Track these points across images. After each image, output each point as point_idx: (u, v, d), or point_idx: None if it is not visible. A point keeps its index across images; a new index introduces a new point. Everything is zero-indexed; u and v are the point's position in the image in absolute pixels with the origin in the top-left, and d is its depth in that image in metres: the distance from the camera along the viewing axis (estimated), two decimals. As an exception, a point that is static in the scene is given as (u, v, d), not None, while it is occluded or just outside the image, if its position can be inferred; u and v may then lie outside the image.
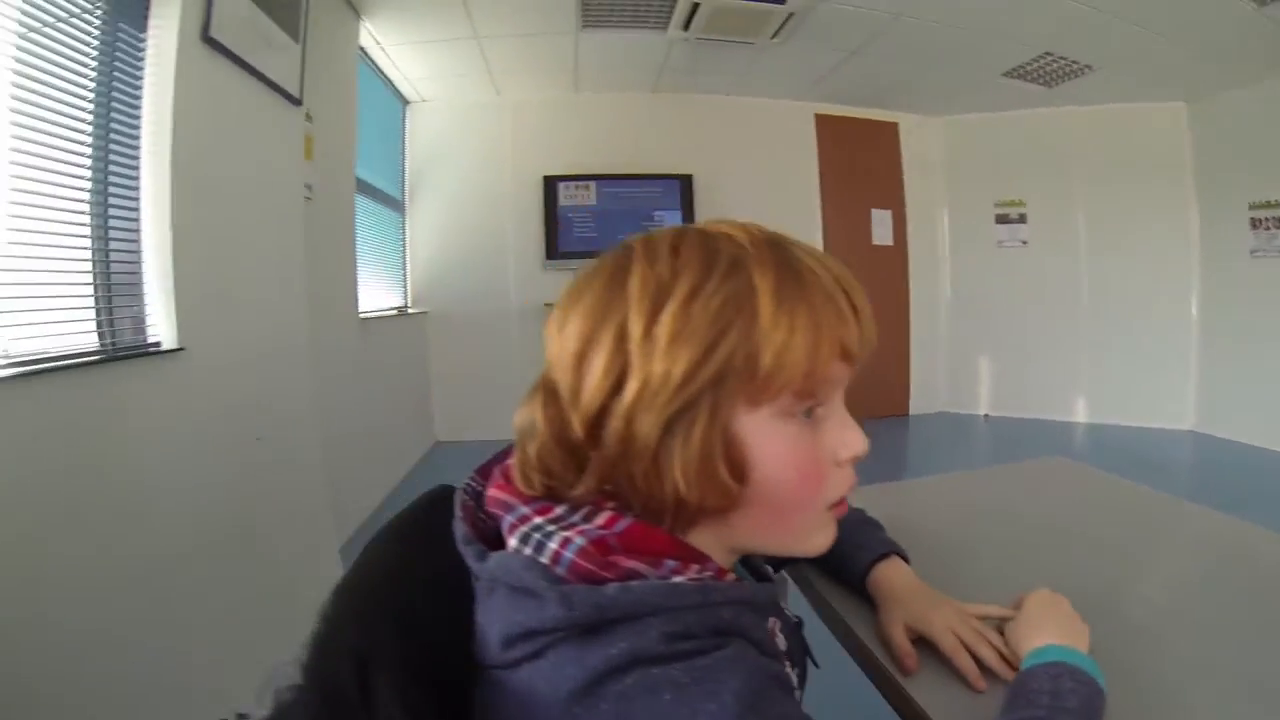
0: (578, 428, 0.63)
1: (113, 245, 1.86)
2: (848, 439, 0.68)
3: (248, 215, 2.42)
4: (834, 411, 0.68)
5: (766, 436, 0.63)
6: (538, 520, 0.64)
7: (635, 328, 0.62)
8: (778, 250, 0.66)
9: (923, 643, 0.93)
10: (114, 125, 1.86)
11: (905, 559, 1.06)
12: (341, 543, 3.18)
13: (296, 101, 2.74)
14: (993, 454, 6.19)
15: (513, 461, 0.71)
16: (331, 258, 3.95)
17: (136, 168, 1.93)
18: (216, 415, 2.15)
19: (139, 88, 1.94)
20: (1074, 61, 5.50)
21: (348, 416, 4.16)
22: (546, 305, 6.70)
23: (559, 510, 0.65)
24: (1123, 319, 6.63)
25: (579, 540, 0.61)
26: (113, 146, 1.85)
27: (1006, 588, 1.00)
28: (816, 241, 7.04)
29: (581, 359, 0.64)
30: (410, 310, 6.45)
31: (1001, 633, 0.91)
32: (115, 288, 1.86)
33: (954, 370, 7.40)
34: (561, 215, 6.65)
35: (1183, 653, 0.90)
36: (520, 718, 0.59)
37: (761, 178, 7.02)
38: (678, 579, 0.62)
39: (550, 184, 6.64)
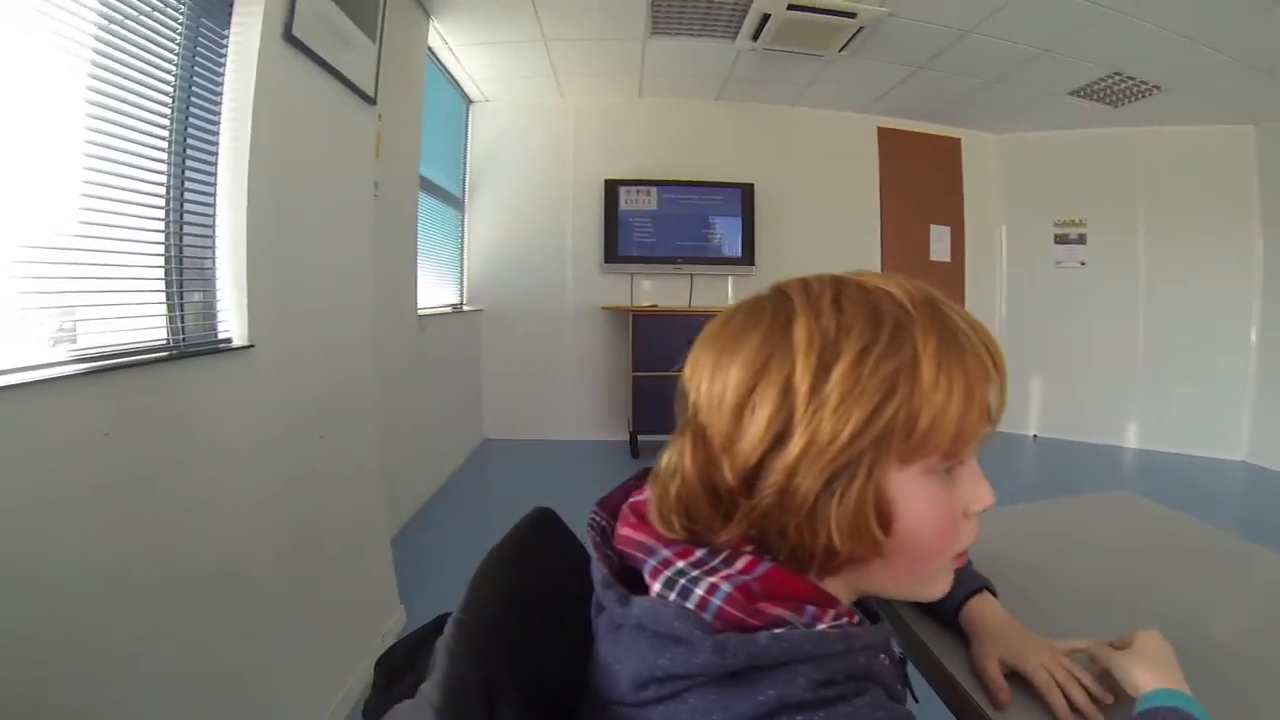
0: (730, 476, 0.64)
1: (186, 240, 1.87)
2: (980, 493, 0.69)
3: (320, 213, 2.43)
4: (968, 466, 0.69)
5: (913, 493, 0.64)
6: (680, 564, 0.66)
7: (802, 383, 0.62)
8: (936, 312, 0.66)
9: (1012, 678, 0.94)
10: (192, 121, 1.87)
11: (994, 593, 1.06)
12: (391, 536, 3.20)
13: (371, 100, 2.76)
14: (1042, 476, 6.11)
15: (646, 500, 0.73)
16: (393, 254, 3.98)
17: (214, 163, 1.95)
18: (282, 413, 2.16)
19: (219, 84, 1.96)
20: (1142, 82, 5.38)
21: (402, 412, 4.20)
22: (603, 308, 6.74)
23: (699, 554, 0.66)
24: (1180, 345, 6.47)
25: (726, 587, 0.63)
26: (190, 142, 1.87)
27: (1080, 626, 1.00)
28: (875, 256, 7.00)
29: (741, 410, 0.64)
30: (465, 308, 6.48)
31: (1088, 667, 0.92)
32: (187, 283, 1.88)
33: (1006, 388, 7.24)
34: (622, 219, 6.65)
35: (1264, 699, 0.90)
36: None
37: (822, 189, 6.98)
38: (820, 626, 0.63)
39: (611, 187, 6.65)
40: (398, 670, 0.89)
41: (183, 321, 1.84)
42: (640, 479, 0.82)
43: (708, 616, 0.62)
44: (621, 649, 0.65)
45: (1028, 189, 7.22)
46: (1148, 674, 0.83)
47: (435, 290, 5.66)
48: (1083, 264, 6.92)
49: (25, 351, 1.37)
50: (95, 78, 1.57)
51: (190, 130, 1.87)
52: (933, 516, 0.66)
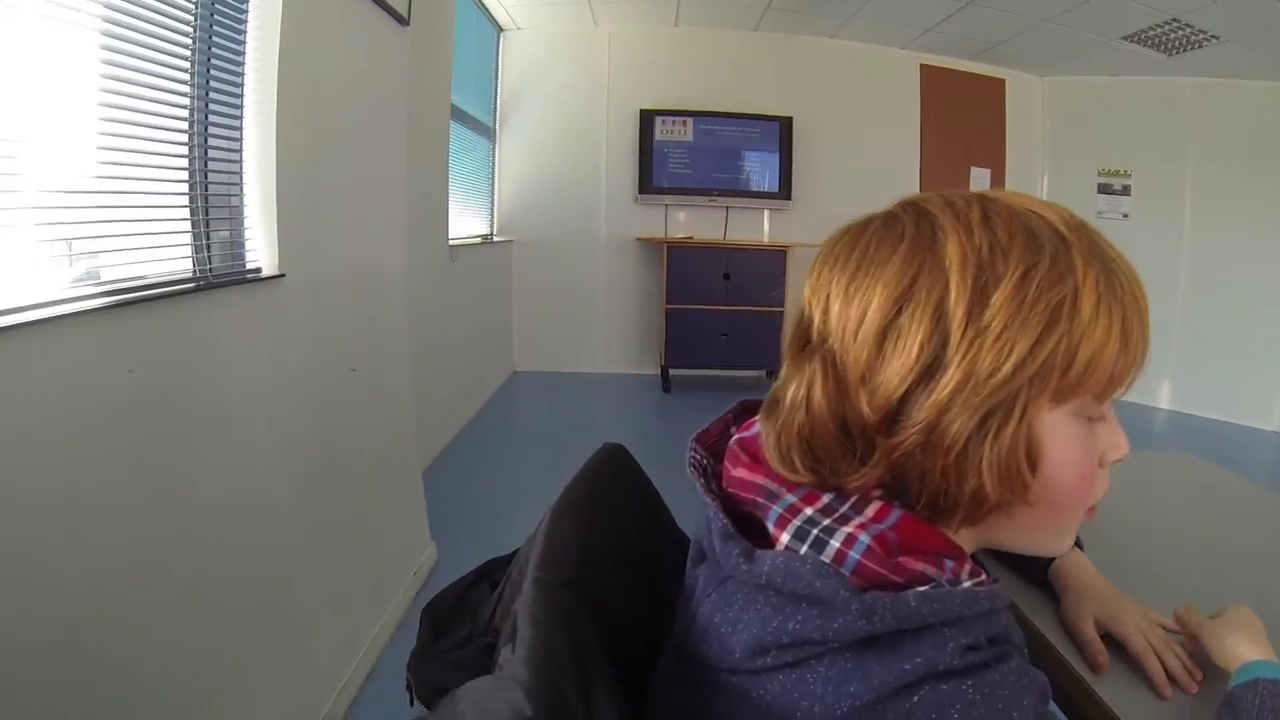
0: (869, 411, 0.57)
1: (211, 168, 1.80)
2: (1118, 441, 0.63)
3: (352, 138, 2.35)
4: (1107, 413, 0.62)
5: (1061, 437, 0.58)
6: (809, 512, 0.59)
7: (958, 309, 0.55)
8: (1093, 241, 0.60)
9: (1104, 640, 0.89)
10: (215, 43, 1.78)
11: (1082, 548, 1.01)
12: (422, 469, 3.17)
13: (404, 21, 2.65)
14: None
15: (757, 436, 0.66)
16: (425, 184, 3.90)
17: (240, 89, 1.86)
18: (313, 345, 2.11)
19: (244, 3, 1.87)
20: (1200, 30, 5.11)
21: (433, 343, 4.17)
22: (637, 240, 6.65)
23: (827, 499, 0.59)
24: (1219, 308, 6.20)
25: (864, 538, 0.57)
26: (213, 66, 1.78)
27: (1153, 594, 0.96)
28: (914, 194, 6.83)
29: (884, 336, 0.56)
30: (496, 239, 6.43)
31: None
32: (213, 210, 1.81)
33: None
34: (657, 150, 6.54)
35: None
36: None
37: (862, 126, 6.83)
38: (964, 583, 0.57)
39: (646, 118, 6.52)
40: (444, 621, 0.85)
41: (209, 252, 1.78)
42: (741, 413, 0.76)
43: (845, 572, 0.55)
44: (735, 609, 0.58)
45: (1072, 135, 6.97)
46: (1246, 645, 0.79)
47: (465, 221, 5.59)
48: (1125, 216, 6.67)
49: (46, 287, 1.31)
50: (111, 5, 1.48)
51: (214, 52, 1.78)
52: (1075, 462, 0.59)
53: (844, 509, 0.59)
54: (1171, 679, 0.83)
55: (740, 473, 0.65)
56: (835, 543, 0.57)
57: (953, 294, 0.55)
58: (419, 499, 3.00)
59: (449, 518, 3.38)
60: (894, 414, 0.56)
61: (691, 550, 0.70)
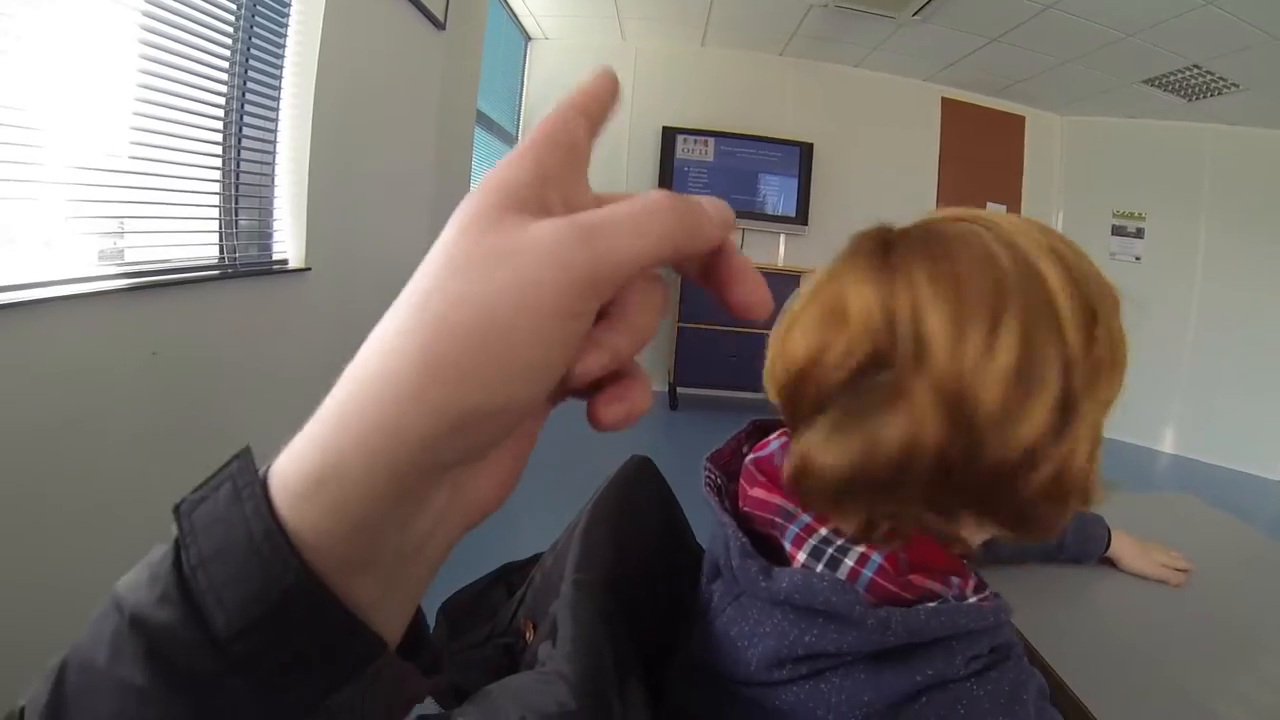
0: (1007, 454, 0.51)
1: (245, 159, 1.81)
2: None
3: (383, 138, 2.37)
4: None
5: None
6: (823, 531, 0.60)
7: (1075, 343, 0.52)
8: None
9: None
10: (256, 34, 1.79)
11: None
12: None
13: (440, 25, 2.66)
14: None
15: (770, 456, 0.67)
16: (449, 187, 3.91)
17: (278, 82, 1.88)
18: (337, 338, 2.12)
19: (286, 3, 1.88)
20: (1221, 78, 5.09)
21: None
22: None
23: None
24: (1230, 355, 6.15)
25: (876, 558, 0.58)
26: (253, 58, 1.79)
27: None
28: (929, 226, 6.84)
29: (1019, 375, 0.51)
30: (514, 249, 6.44)
31: None
32: (244, 200, 1.82)
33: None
34: (678, 168, 6.54)
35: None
36: None
37: (881, 155, 6.80)
38: (970, 599, 0.58)
39: (669, 135, 6.53)
40: (460, 621, 0.85)
41: (236, 240, 1.78)
42: (753, 432, 0.76)
43: (859, 589, 0.56)
44: (750, 623, 0.60)
45: (1089, 175, 6.91)
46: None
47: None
48: (1138, 259, 6.64)
49: (73, 264, 1.32)
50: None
51: (254, 46, 1.79)
52: None
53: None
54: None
55: (758, 493, 0.66)
56: (849, 561, 0.58)
57: (1069, 329, 0.52)
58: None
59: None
60: (1031, 454, 0.51)
61: (705, 566, 0.71)
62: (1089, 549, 1.25)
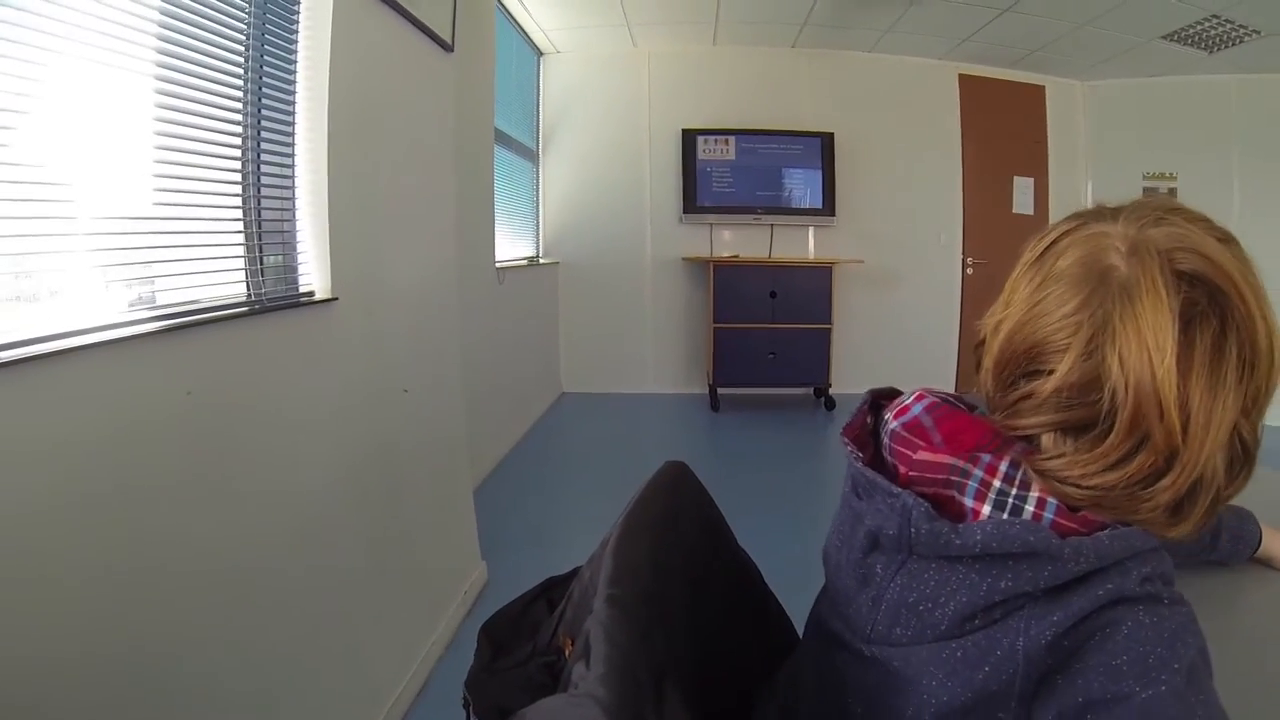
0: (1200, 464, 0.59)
1: (264, 194, 1.83)
2: None
3: (401, 163, 2.39)
4: None
5: None
6: (997, 484, 0.66)
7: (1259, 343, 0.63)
8: None
9: None
10: (266, 73, 1.82)
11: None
12: (472, 489, 3.19)
13: (449, 48, 2.69)
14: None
15: (918, 420, 0.72)
16: (471, 207, 3.94)
17: (291, 117, 1.90)
18: (366, 366, 2.14)
19: (294, 32, 1.90)
20: (1241, 25, 5.01)
21: (481, 365, 4.20)
22: (683, 259, 6.66)
23: (1004, 468, 0.66)
24: (1274, 304, 5.99)
25: (1052, 501, 0.64)
26: (265, 95, 1.82)
27: None
28: (956, 207, 6.80)
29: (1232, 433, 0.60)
30: (542, 260, 6.46)
31: None
32: (266, 236, 1.84)
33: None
34: (700, 169, 6.55)
35: None
36: (970, 676, 0.62)
37: (903, 139, 6.78)
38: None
39: (689, 137, 6.54)
40: (503, 640, 0.85)
41: (263, 276, 1.80)
42: (873, 404, 0.81)
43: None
44: (930, 586, 0.66)
45: (1115, 139, 6.85)
46: None
47: (511, 243, 5.64)
48: (1168, 222, 6.53)
49: (107, 312, 1.35)
50: (164, 28, 1.51)
51: (265, 80, 1.81)
52: None
53: (1019, 476, 0.65)
54: None
55: (923, 455, 0.70)
56: (1030, 507, 0.64)
57: (1257, 330, 0.62)
58: (470, 518, 3.01)
59: (499, 538, 3.38)
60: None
61: (855, 541, 0.74)
62: (1239, 548, 1.17)
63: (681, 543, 0.78)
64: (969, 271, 6.92)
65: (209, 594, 1.47)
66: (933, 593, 0.65)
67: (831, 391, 6.33)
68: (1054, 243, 0.67)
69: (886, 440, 0.75)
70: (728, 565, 0.87)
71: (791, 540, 2.54)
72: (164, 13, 1.49)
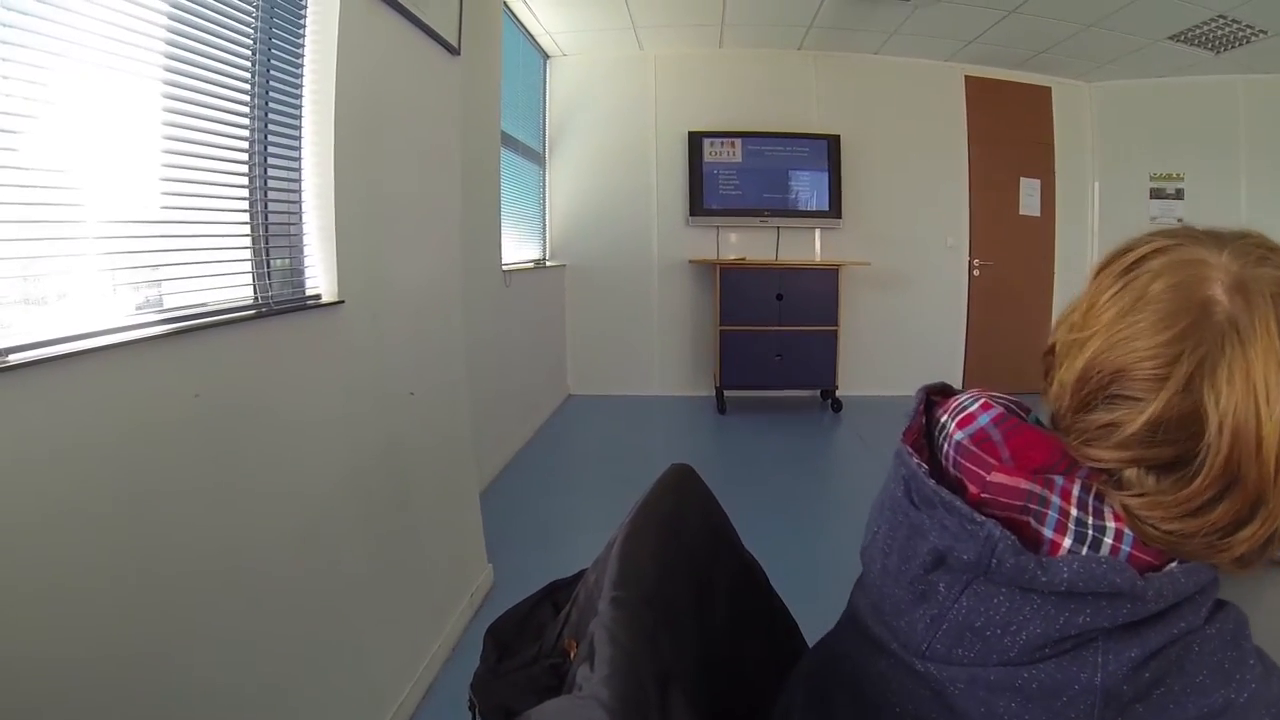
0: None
1: (271, 198, 1.84)
2: None
3: (408, 166, 2.40)
4: None
5: None
6: (1075, 513, 0.65)
7: None
8: None
9: None
10: (273, 77, 1.83)
11: None
12: (479, 492, 3.19)
13: (455, 51, 2.69)
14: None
15: (984, 431, 0.71)
16: (477, 210, 3.95)
17: (298, 121, 1.90)
18: (373, 369, 2.14)
19: (301, 36, 1.91)
20: (1248, 25, 5.00)
21: (488, 367, 4.20)
22: (690, 262, 6.66)
23: (1076, 492, 0.66)
24: None
25: (1128, 533, 0.64)
26: (271, 99, 1.82)
27: None
28: (963, 209, 6.79)
29: None
30: (548, 263, 6.47)
31: None
32: (273, 240, 1.85)
33: (1093, 346, 6.97)
34: (706, 171, 6.56)
35: None
36: (1048, 704, 0.62)
37: (909, 141, 6.78)
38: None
39: (695, 140, 6.55)
40: (508, 642, 0.85)
41: (270, 279, 1.81)
42: (928, 402, 0.80)
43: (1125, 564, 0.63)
44: (1001, 612, 0.65)
45: (1122, 140, 6.83)
46: None
47: (517, 246, 5.65)
48: (1180, 221, 6.51)
49: (114, 315, 1.35)
50: (171, 32, 1.51)
51: (271, 88, 1.82)
52: None
53: (1091, 501, 0.65)
54: None
55: (1000, 479, 0.68)
56: (1108, 539, 0.64)
57: None
58: (476, 520, 3.02)
59: (506, 540, 3.39)
60: None
61: (914, 554, 0.71)
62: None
63: (687, 545, 0.78)
64: (975, 273, 6.91)
65: (215, 595, 1.47)
66: (1003, 619, 0.64)
67: (838, 394, 6.31)
68: (1142, 259, 0.66)
69: (949, 450, 0.73)
70: (733, 568, 0.87)
71: (798, 543, 2.54)
72: (171, 17, 1.50)
